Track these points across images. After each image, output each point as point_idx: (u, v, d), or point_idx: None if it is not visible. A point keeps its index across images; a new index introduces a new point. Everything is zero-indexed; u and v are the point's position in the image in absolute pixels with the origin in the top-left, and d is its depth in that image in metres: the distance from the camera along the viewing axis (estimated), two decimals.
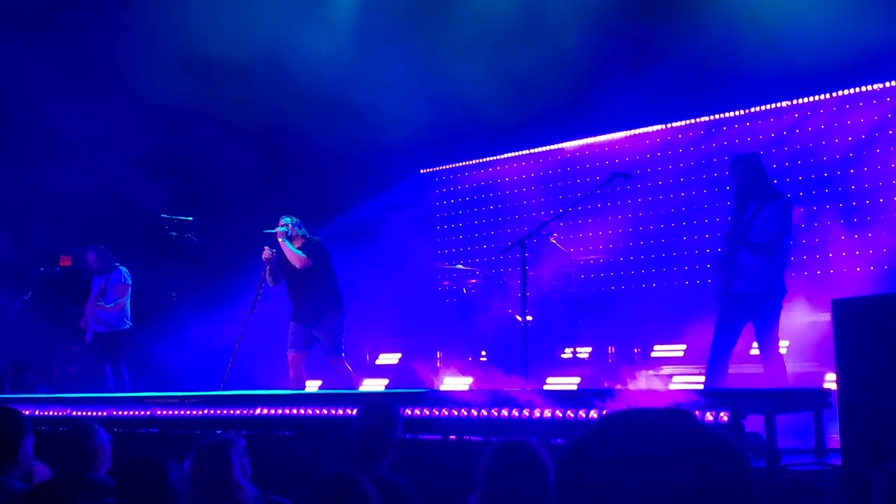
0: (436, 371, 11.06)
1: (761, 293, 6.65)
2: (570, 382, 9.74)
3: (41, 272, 11.37)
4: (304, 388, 8.54)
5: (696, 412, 4.55)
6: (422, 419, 5.67)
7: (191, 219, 12.20)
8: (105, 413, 7.37)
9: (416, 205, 13.37)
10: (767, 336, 6.63)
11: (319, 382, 10.69)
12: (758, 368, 8.17)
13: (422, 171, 13.70)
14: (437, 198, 13.62)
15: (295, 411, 6.34)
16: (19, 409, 7.51)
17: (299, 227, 8.56)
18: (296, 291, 8.55)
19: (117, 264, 10.27)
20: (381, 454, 4.49)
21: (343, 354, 8.42)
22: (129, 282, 10.19)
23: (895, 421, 3.94)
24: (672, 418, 1.22)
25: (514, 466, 3.12)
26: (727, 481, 1.18)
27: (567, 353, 10.39)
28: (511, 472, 3.11)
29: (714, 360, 6.81)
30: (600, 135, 11.79)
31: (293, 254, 8.34)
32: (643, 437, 1.19)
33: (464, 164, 13.30)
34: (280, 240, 8.40)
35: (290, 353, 8.48)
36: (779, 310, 6.71)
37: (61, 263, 12.08)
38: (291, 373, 8.50)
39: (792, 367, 8.29)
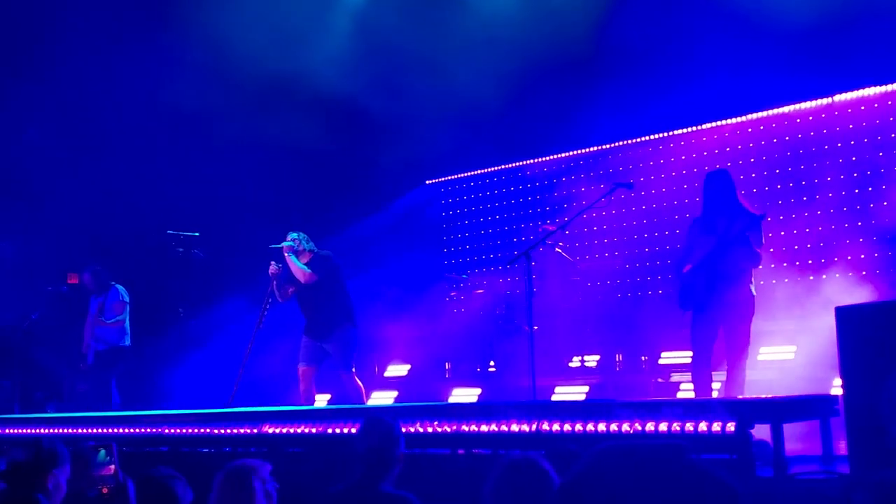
0: (445, 382, 11.08)
1: (740, 301, 6.81)
2: (578, 391, 9.74)
3: (49, 291, 11.40)
4: (313, 403, 8.52)
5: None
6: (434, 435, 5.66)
7: (197, 234, 12.22)
8: (113, 431, 7.38)
9: (422, 216, 13.39)
10: (739, 341, 6.80)
11: (328, 396, 10.70)
12: (762, 374, 8.21)
13: (427, 182, 13.72)
14: (442, 208, 13.64)
15: (303, 429, 6.33)
16: (25, 430, 7.56)
17: (307, 242, 8.56)
18: (307, 306, 8.56)
19: (114, 283, 10.30)
20: (387, 470, 4.49)
21: (353, 369, 8.40)
22: (127, 299, 10.22)
23: None
24: (664, 454, 1.23)
25: (521, 484, 3.12)
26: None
27: (575, 362, 10.39)
28: (518, 489, 3.10)
29: (700, 368, 6.95)
30: (604, 144, 11.81)
31: (298, 269, 8.35)
32: (636, 473, 1.20)
33: (469, 174, 13.32)
34: (286, 254, 8.41)
35: (301, 367, 8.46)
36: (751, 315, 6.86)
37: (69, 281, 12.10)
38: (302, 386, 8.47)
39: (801, 373, 8.31)
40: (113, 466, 3.63)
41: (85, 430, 7.55)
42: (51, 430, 7.84)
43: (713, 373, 6.99)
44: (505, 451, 5.43)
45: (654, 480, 1.18)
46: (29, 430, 8.04)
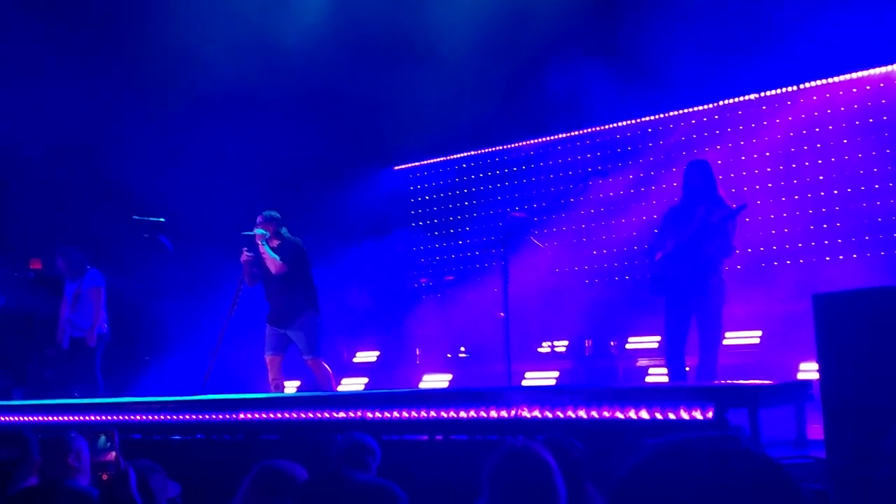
0: (415, 368, 11.10)
1: (712, 287, 6.92)
2: (548, 377, 9.82)
3: (15, 277, 11.24)
4: (282, 390, 8.50)
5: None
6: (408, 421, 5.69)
7: (162, 220, 12.11)
8: (84, 419, 7.32)
9: (391, 202, 13.37)
10: (712, 328, 6.92)
11: (298, 383, 10.69)
12: (728, 359, 8.31)
13: (395, 168, 13.69)
14: (411, 194, 13.62)
15: (279, 415, 6.33)
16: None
17: (279, 224, 8.51)
18: (271, 292, 8.50)
19: (89, 266, 10.12)
20: (366, 460, 4.52)
21: (320, 354, 8.38)
22: (104, 284, 10.05)
23: (878, 414, 4.02)
24: (721, 445, 1.25)
25: (520, 471, 3.15)
26: (777, 501, 1.21)
27: (545, 348, 10.46)
28: (517, 475, 3.14)
29: (673, 354, 7.06)
30: (573, 130, 11.85)
31: (270, 259, 8.28)
32: (695, 467, 1.22)
33: (438, 160, 13.30)
34: (259, 243, 8.33)
35: (268, 356, 8.45)
36: (723, 303, 6.99)
37: (31, 266, 11.94)
38: (270, 375, 8.47)
39: (766, 357, 8.45)
40: (114, 453, 3.61)
41: (56, 418, 7.48)
42: (23, 418, 7.76)
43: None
44: (482, 437, 5.50)
45: (715, 471, 1.20)
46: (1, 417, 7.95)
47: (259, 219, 8.50)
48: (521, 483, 3.10)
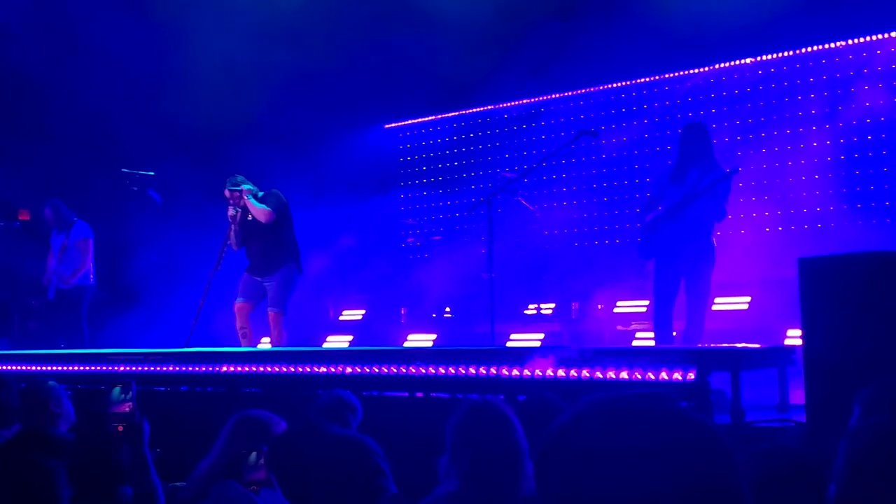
0: (400, 327, 11.09)
1: (701, 251, 6.91)
2: (533, 338, 9.82)
3: (0, 226, 11.15)
4: (250, 339, 8.34)
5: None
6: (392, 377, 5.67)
7: (152, 174, 12.05)
8: (68, 369, 7.30)
9: (379, 160, 13.29)
10: (701, 291, 6.90)
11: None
12: (716, 324, 8.31)
13: (385, 126, 13.59)
14: (400, 153, 13.53)
15: (261, 369, 6.31)
16: None
17: (251, 184, 8.40)
18: (254, 247, 8.36)
19: (76, 219, 10.07)
20: (347, 416, 4.53)
21: (286, 312, 8.17)
22: (91, 236, 10.00)
23: (859, 378, 4.01)
24: (652, 404, 1.23)
25: (482, 426, 3.14)
26: (708, 467, 1.19)
27: (531, 310, 10.45)
28: (479, 431, 3.12)
29: (661, 317, 7.05)
30: (566, 91, 11.76)
31: (257, 208, 8.17)
32: (623, 424, 1.20)
33: (428, 118, 13.21)
34: (245, 197, 8.24)
35: (238, 303, 8.26)
36: (713, 267, 6.98)
37: (20, 217, 11.86)
38: (238, 322, 8.26)
39: (754, 323, 8.45)
40: (129, 405, 3.59)
41: (41, 368, 7.46)
42: (8, 367, 7.73)
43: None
44: (463, 395, 5.49)
45: (644, 429, 1.18)
46: None
47: (235, 178, 8.36)
48: (482, 439, 3.09)
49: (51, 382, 4.66)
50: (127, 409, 3.59)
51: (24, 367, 7.69)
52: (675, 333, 7.09)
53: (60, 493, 3.51)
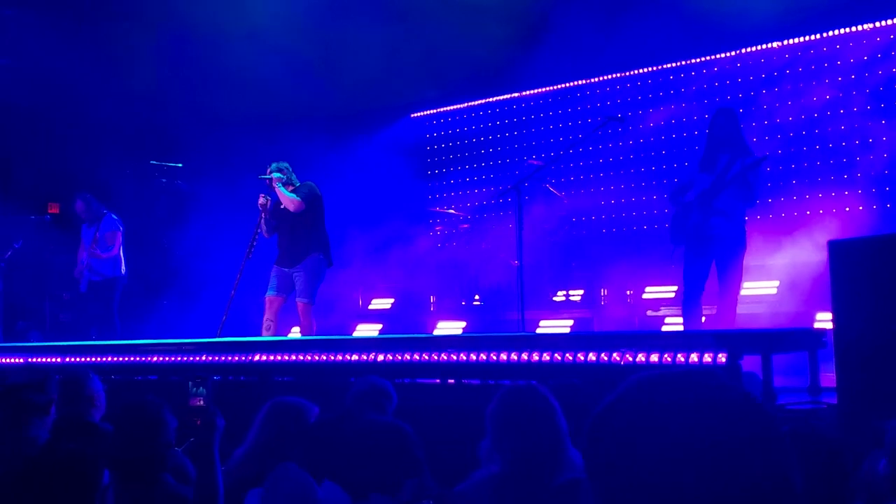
0: (429, 315, 11.13)
1: (734, 238, 6.91)
2: (562, 325, 9.82)
3: (32, 220, 11.30)
4: (274, 332, 8.34)
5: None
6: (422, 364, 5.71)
7: (180, 165, 12.14)
8: (102, 360, 7.39)
9: (407, 149, 13.31)
10: (732, 277, 6.88)
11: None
12: (745, 308, 8.29)
13: (412, 116, 13.61)
14: (428, 142, 13.56)
15: (294, 357, 6.36)
16: (11, 359, 7.56)
17: (289, 172, 8.49)
18: (284, 236, 8.46)
19: (106, 211, 10.20)
20: (383, 403, 4.58)
21: (314, 302, 8.26)
22: (121, 228, 10.13)
23: (890, 360, 4.01)
24: (699, 379, 1.25)
25: (524, 411, 3.17)
26: (753, 438, 1.20)
27: (559, 296, 10.46)
28: (520, 416, 3.15)
29: (690, 303, 7.05)
30: (592, 77, 11.73)
31: (287, 198, 8.26)
32: (671, 398, 1.22)
33: (455, 107, 13.22)
34: (275, 185, 8.33)
35: (269, 296, 8.33)
36: (744, 253, 6.97)
37: (49, 211, 12.01)
38: (266, 315, 8.32)
39: (783, 307, 8.42)
40: (201, 399, 3.67)
41: (74, 359, 7.55)
42: (41, 359, 7.84)
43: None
44: (495, 382, 5.52)
45: (691, 402, 1.20)
46: (19, 359, 8.02)
47: (272, 165, 8.47)
48: (523, 423, 3.12)
49: (89, 373, 4.74)
50: (201, 403, 3.67)
51: (58, 359, 7.79)
52: (703, 319, 7.08)
53: (100, 479, 3.58)
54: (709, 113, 9.88)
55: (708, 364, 4.48)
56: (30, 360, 7.97)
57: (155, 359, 7.20)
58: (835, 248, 4.38)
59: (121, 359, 7.38)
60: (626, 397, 1.25)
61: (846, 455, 2.53)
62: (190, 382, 3.67)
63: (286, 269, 8.34)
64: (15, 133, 11.99)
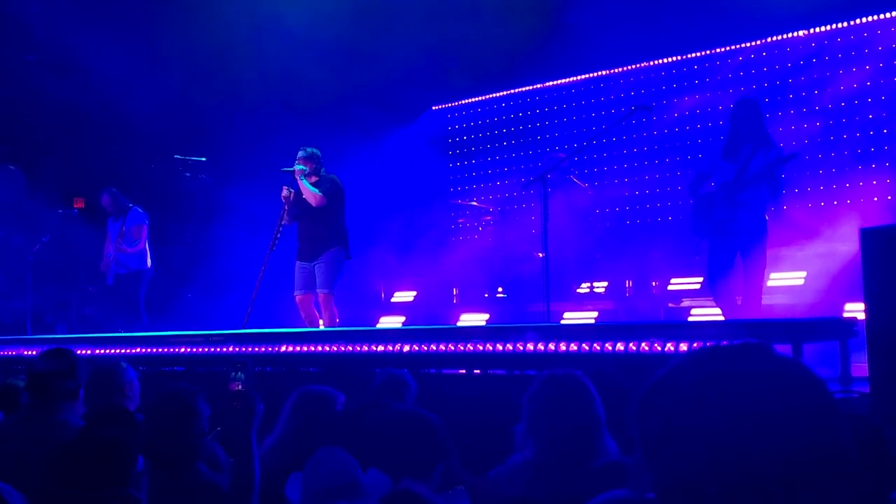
0: (452, 308, 11.12)
1: (757, 229, 6.89)
2: (587, 317, 9.80)
3: (59, 214, 11.38)
4: (317, 327, 8.49)
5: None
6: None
7: (203, 159, 12.18)
8: (130, 351, 7.44)
9: (429, 142, 13.31)
10: (756, 268, 6.86)
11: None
12: (772, 299, 8.25)
13: (433, 108, 13.60)
14: (449, 134, 13.55)
15: (320, 348, 6.38)
16: (34, 350, 7.62)
17: (319, 161, 8.51)
18: (304, 228, 8.50)
19: (132, 205, 10.27)
20: (402, 392, 4.59)
21: (334, 292, 8.32)
22: (147, 222, 10.20)
23: None
24: (751, 351, 1.24)
25: (561, 397, 3.16)
26: (808, 406, 1.19)
27: (584, 288, 10.42)
28: (557, 401, 3.15)
29: (720, 292, 7.02)
30: (616, 67, 11.67)
31: (309, 192, 8.29)
32: (724, 369, 1.21)
33: (476, 99, 13.20)
34: (298, 178, 8.36)
35: (298, 295, 8.43)
36: (766, 243, 6.94)
37: (76, 205, 12.10)
38: (302, 314, 8.47)
39: (811, 297, 8.36)
40: (239, 384, 3.70)
41: (104, 351, 7.61)
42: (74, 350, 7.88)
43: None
44: (520, 371, 5.51)
45: (743, 374, 1.19)
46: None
47: (300, 152, 8.51)
48: (560, 409, 3.11)
49: (121, 363, 4.77)
50: (240, 388, 3.69)
51: (87, 351, 7.84)
52: (739, 302, 7.05)
53: (135, 465, 3.61)
54: (732, 103, 9.86)
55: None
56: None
57: (183, 350, 7.24)
58: (867, 235, 4.33)
59: (149, 350, 7.43)
60: (680, 369, 1.24)
61: (889, 439, 2.51)
62: (230, 368, 3.70)
63: (307, 264, 8.40)
64: (41, 128, 12.08)
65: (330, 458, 3.28)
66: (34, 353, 8.15)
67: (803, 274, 8.93)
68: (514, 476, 3.12)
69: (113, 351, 7.53)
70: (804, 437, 1.16)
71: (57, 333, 11.08)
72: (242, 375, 3.67)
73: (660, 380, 1.25)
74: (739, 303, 6.92)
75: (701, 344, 4.63)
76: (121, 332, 9.42)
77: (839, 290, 8.06)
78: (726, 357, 1.24)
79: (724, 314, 7.06)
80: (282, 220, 8.54)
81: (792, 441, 1.15)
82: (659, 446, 1.21)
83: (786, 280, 8.94)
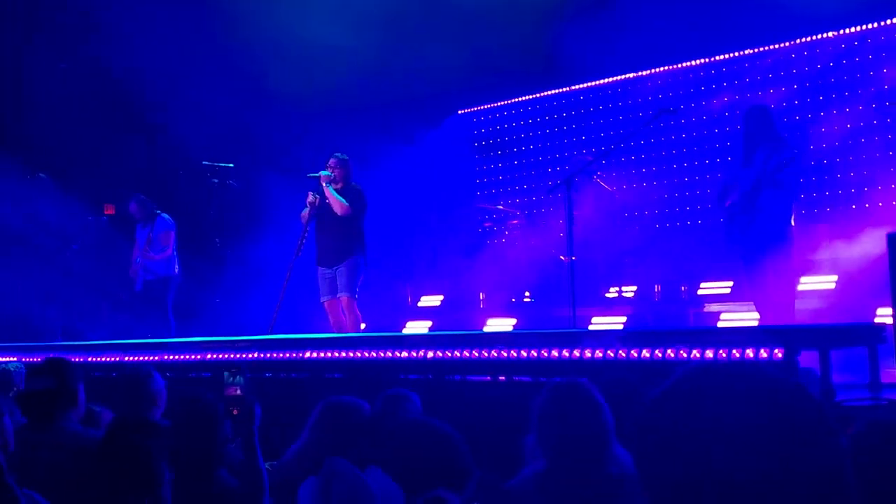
0: (479, 313, 11.09)
1: (779, 234, 6.88)
2: (615, 322, 9.73)
3: (89, 221, 11.49)
4: (345, 331, 8.57)
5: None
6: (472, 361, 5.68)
7: (231, 165, 12.24)
8: (157, 358, 7.48)
9: (455, 146, 13.29)
10: (785, 273, 6.86)
11: (363, 325, 10.74)
12: (803, 304, 8.15)
13: (459, 112, 13.58)
14: (475, 138, 13.53)
15: (344, 354, 6.37)
16: (71, 357, 7.69)
17: (348, 168, 8.57)
18: (326, 234, 8.62)
19: (159, 212, 10.35)
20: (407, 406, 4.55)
21: (356, 296, 8.45)
22: (174, 228, 10.28)
23: None
24: (748, 370, 1.23)
25: (568, 406, 3.13)
26: (802, 426, 1.18)
27: (612, 293, 10.35)
28: (565, 411, 3.12)
29: (757, 298, 7.05)
30: (643, 70, 11.60)
31: (336, 200, 8.37)
32: (720, 389, 1.20)
33: (501, 103, 13.17)
34: (324, 184, 8.42)
35: (325, 301, 8.60)
36: (791, 248, 6.93)
37: (105, 212, 12.20)
38: (331, 319, 8.62)
39: (842, 302, 8.25)
40: (238, 389, 3.70)
41: (132, 358, 7.65)
42: (101, 358, 7.96)
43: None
44: (546, 379, 5.47)
45: (741, 395, 1.18)
46: (80, 358, 8.13)
47: (331, 161, 8.58)
48: (568, 419, 3.08)
49: (151, 372, 4.79)
50: (238, 393, 3.69)
51: (116, 358, 7.90)
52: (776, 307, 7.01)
53: (161, 474, 3.62)
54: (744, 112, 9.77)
55: (763, 360, 4.40)
56: (89, 359, 8.08)
57: (210, 356, 7.27)
58: (894, 240, 4.27)
59: (176, 356, 7.46)
60: (676, 388, 1.24)
61: None
62: (226, 373, 3.68)
63: (328, 270, 8.53)
64: (72, 135, 12.18)
65: (338, 468, 3.27)
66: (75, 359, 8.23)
67: (834, 278, 8.82)
68: (526, 488, 3.09)
69: (140, 358, 7.57)
70: (798, 455, 1.16)
71: (88, 339, 11.16)
72: (241, 380, 3.66)
73: (656, 398, 1.25)
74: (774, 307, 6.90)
75: (727, 351, 4.58)
76: (149, 338, 9.48)
77: (871, 294, 7.95)
78: (721, 376, 1.24)
79: (761, 318, 7.03)
80: (307, 225, 8.61)
81: (786, 460, 1.15)
82: (655, 463, 1.20)
83: (816, 284, 8.83)
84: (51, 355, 8.28)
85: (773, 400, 1.20)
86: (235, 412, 3.69)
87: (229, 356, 7.07)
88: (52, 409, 4.37)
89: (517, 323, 10.51)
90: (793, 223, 6.95)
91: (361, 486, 3.27)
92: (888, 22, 9.89)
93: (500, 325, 10.67)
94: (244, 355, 6.98)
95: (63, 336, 11.06)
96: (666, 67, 11.43)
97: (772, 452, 1.14)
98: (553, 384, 3.39)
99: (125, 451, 3.79)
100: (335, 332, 8.53)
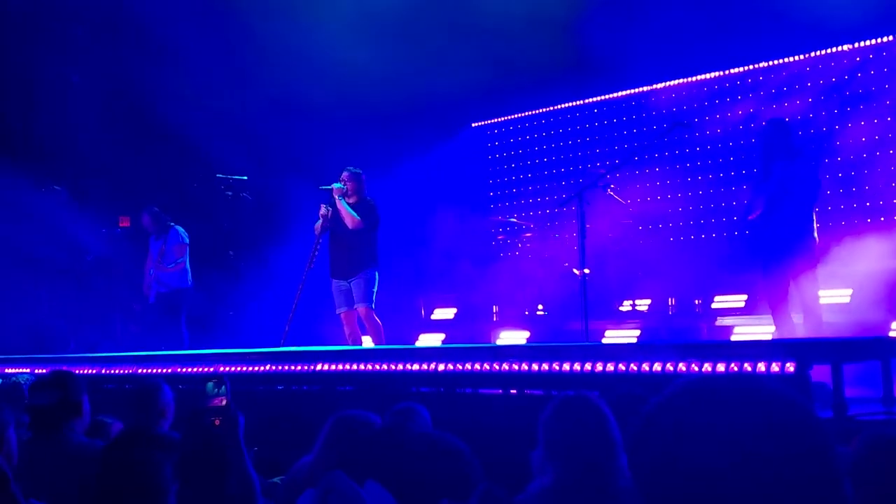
0: (492, 325, 11.07)
1: (803, 248, 6.85)
2: (629, 335, 9.70)
3: (103, 233, 11.54)
4: (360, 344, 8.59)
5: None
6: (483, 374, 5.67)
7: (245, 178, 12.28)
8: (169, 370, 7.49)
9: (468, 159, 13.30)
10: (809, 285, 6.83)
11: (528, 333, 10.75)
12: (826, 316, 8.10)
13: (473, 125, 13.60)
14: (489, 151, 13.53)
15: (356, 367, 6.37)
16: (84, 369, 7.72)
17: (361, 181, 8.59)
18: (336, 245, 8.64)
19: (172, 224, 10.37)
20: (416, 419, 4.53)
21: (373, 306, 8.48)
22: (187, 241, 10.29)
23: None
24: (743, 384, 1.22)
25: (575, 420, 3.12)
26: (799, 439, 1.17)
27: (626, 306, 10.32)
28: (572, 425, 3.10)
29: (779, 314, 6.97)
30: (656, 83, 11.58)
31: (347, 214, 8.39)
32: (715, 403, 1.19)
33: (515, 116, 13.17)
34: (336, 197, 8.44)
35: (340, 312, 8.62)
36: (814, 258, 6.90)
37: (120, 224, 12.25)
38: (346, 330, 8.64)
39: (857, 316, 8.20)
40: (224, 399, 3.67)
41: (145, 370, 7.67)
42: (113, 370, 7.98)
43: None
44: (558, 392, 5.44)
45: (735, 407, 1.17)
46: (92, 370, 8.17)
47: (344, 174, 8.60)
48: (575, 433, 3.06)
49: (161, 384, 4.80)
50: (222, 403, 3.66)
51: (129, 370, 7.92)
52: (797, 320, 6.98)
53: (167, 487, 3.61)
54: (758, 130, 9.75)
55: (775, 373, 4.37)
56: (101, 370, 8.11)
57: (220, 368, 7.27)
58: None
59: (188, 369, 7.47)
60: (670, 402, 1.23)
61: None
62: (210, 384, 3.65)
63: (343, 282, 8.56)
64: (87, 148, 12.25)
65: (336, 484, 3.25)
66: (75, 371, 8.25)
67: (849, 292, 8.77)
68: (535, 503, 3.06)
69: (153, 370, 7.59)
70: (794, 468, 1.15)
71: (100, 351, 11.19)
72: (225, 389, 3.64)
73: (651, 412, 1.24)
74: (797, 321, 6.86)
75: (739, 364, 4.55)
76: (162, 350, 9.51)
77: (887, 308, 7.90)
78: (717, 390, 1.23)
79: (778, 332, 6.99)
80: (319, 237, 8.63)
81: (781, 473, 1.14)
82: (649, 477, 1.19)
83: (832, 298, 8.78)
84: (63, 367, 8.35)
85: (767, 412, 1.19)
86: (217, 422, 3.66)
87: (242, 369, 7.08)
88: (56, 420, 4.40)
89: (530, 336, 10.50)
90: (816, 236, 6.92)
91: (358, 502, 3.26)
92: None
93: (514, 337, 10.66)
94: (256, 367, 6.98)
95: (75, 348, 11.09)
96: (680, 80, 11.42)
97: (766, 465, 1.13)
98: (560, 398, 3.37)
99: (128, 462, 3.78)
100: (350, 343, 8.55)
